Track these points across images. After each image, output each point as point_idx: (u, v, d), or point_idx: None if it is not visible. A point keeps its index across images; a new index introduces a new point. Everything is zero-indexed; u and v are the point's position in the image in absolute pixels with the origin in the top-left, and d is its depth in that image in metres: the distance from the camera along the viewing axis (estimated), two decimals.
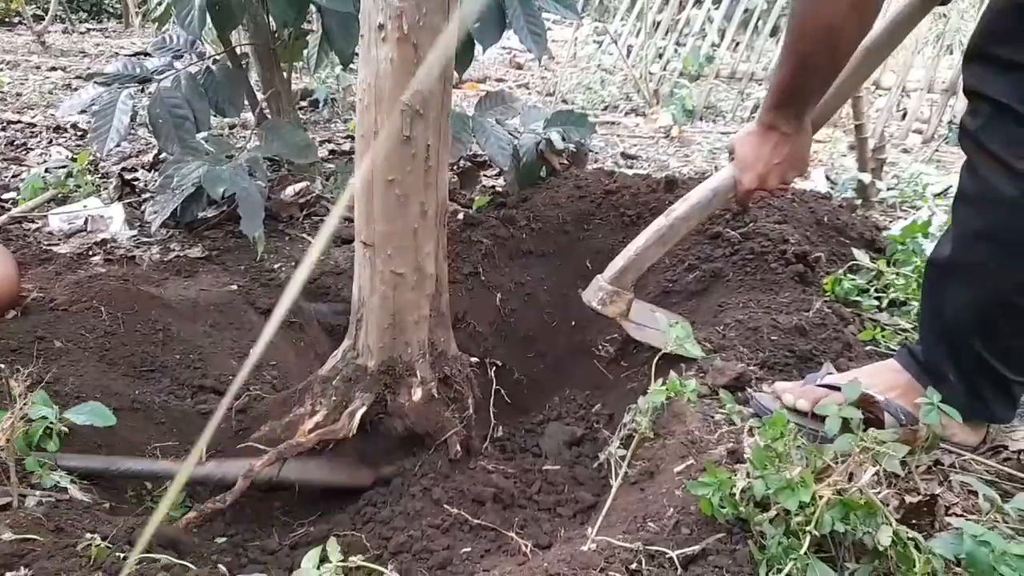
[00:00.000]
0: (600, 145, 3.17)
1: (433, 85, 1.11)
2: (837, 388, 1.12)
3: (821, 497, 0.85)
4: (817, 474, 0.90)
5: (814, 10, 1.05)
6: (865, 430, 1.04)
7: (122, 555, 0.82)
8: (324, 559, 0.77)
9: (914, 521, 0.95)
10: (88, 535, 0.84)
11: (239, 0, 1.70)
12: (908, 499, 0.92)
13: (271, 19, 1.88)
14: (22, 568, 0.75)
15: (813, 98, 1.22)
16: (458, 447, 1.31)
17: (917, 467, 1.08)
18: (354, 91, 3.50)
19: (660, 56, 4.32)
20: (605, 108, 4.03)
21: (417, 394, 1.31)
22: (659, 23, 4.50)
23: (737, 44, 4.40)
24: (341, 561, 0.77)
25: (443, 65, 1.11)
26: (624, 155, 3.04)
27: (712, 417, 1.22)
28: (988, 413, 1.12)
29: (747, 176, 1.26)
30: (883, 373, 1.18)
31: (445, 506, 1.22)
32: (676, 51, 4.25)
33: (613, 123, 3.74)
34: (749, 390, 1.22)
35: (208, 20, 1.73)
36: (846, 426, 1.05)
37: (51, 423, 0.96)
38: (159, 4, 1.81)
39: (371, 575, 0.83)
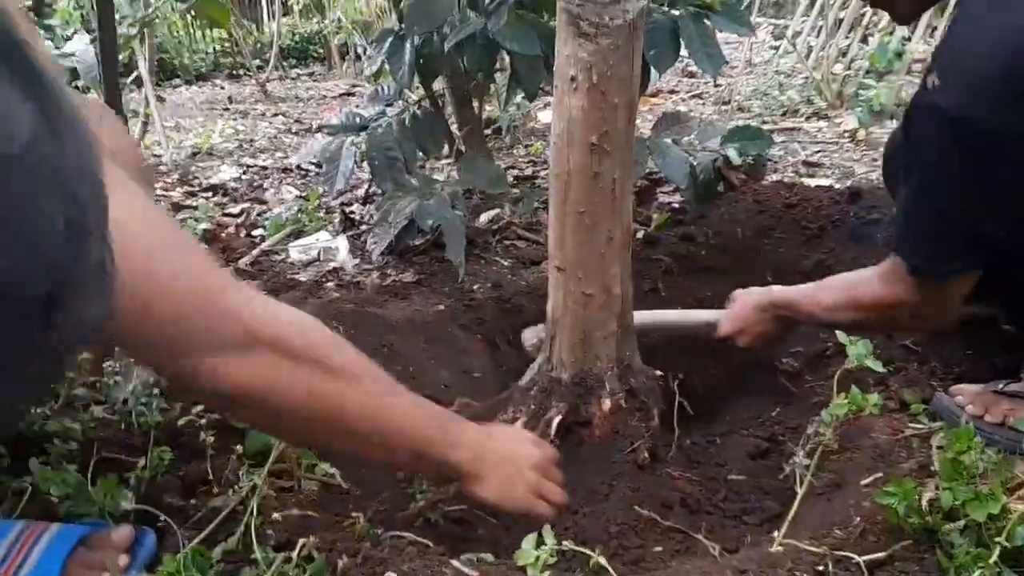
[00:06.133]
0: (780, 154, 3.13)
1: (620, 125, 1.24)
2: (1019, 395, 1.12)
3: (1011, 511, 0.87)
4: (1009, 486, 0.91)
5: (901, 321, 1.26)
6: None
7: (380, 531, 1.02)
8: (541, 542, 0.91)
9: None
10: (354, 514, 1.05)
11: (442, 53, 1.94)
12: None
13: (465, 66, 2.11)
14: (310, 536, 0.97)
15: None
16: (646, 454, 1.42)
17: None
18: (533, 117, 3.72)
19: (844, 55, 4.14)
20: (784, 113, 3.93)
21: (606, 404, 1.44)
22: (842, 20, 4.31)
23: (934, 30, 4.11)
24: (556, 545, 0.91)
25: (628, 107, 1.24)
26: (806, 163, 2.99)
27: (902, 432, 1.24)
28: None
29: (727, 326, 1.51)
30: None
31: (636, 508, 1.33)
32: (861, 48, 4.06)
33: (794, 129, 3.65)
34: (936, 393, 1.24)
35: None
36: None
37: None
38: (375, 62, 2.10)
39: (579, 558, 0.97)
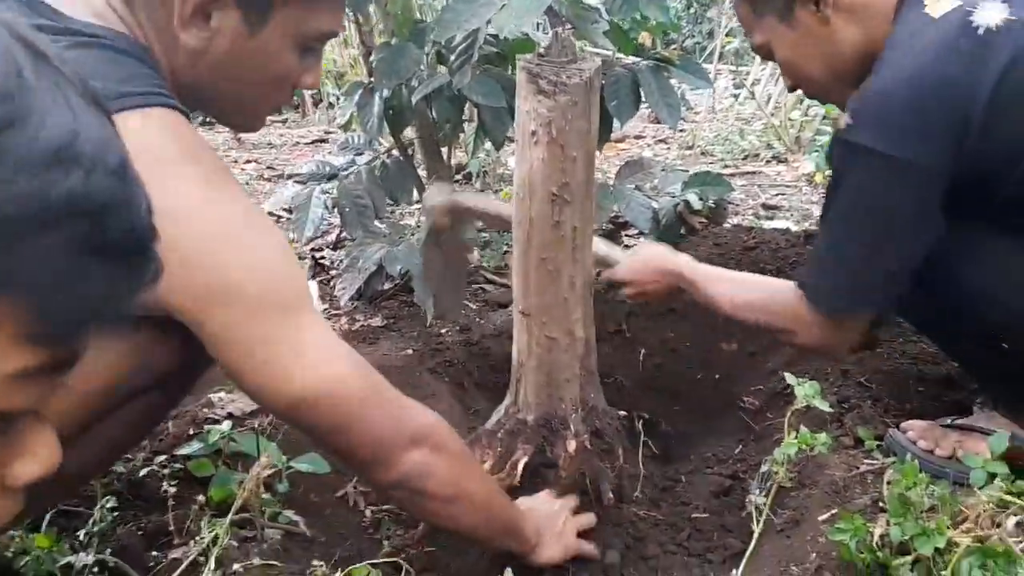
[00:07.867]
0: (740, 197, 3.23)
1: (579, 176, 1.29)
2: (966, 428, 1.17)
3: (958, 544, 0.90)
4: (955, 521, 0.94)
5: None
6: (1014, 480, 1.07)
7: None
8: None
9: None
10: (315, 562, 1.05)
11: (410, 105, 2.00)
12: None
13: (434, 115, 2.16)
14: None
15: None
16: (610, 494, 1.44)
17: None
18: (503, 162, 3.79)
19: (801, 102, 4.30)
20: (745, 158, 4.06)
21: (571, 446, 1.46)
22: None
23: None
24: None
25: (587, 159, 1.29)
26: (765, 206, 3.08)
27: (857, 467, 1.28)
28: None
29: (623, 273, 1.50)
30: (992, 419, 1.23)
31: (603, 548, 1.35)
32: None
33: (754, 172, 3.77)
34: (889, 430, 1.28)
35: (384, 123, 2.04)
36: (992, 477, 1.08)
37: (281, 469, 1.21)
38: (345, 113, 2.15)
39: None
